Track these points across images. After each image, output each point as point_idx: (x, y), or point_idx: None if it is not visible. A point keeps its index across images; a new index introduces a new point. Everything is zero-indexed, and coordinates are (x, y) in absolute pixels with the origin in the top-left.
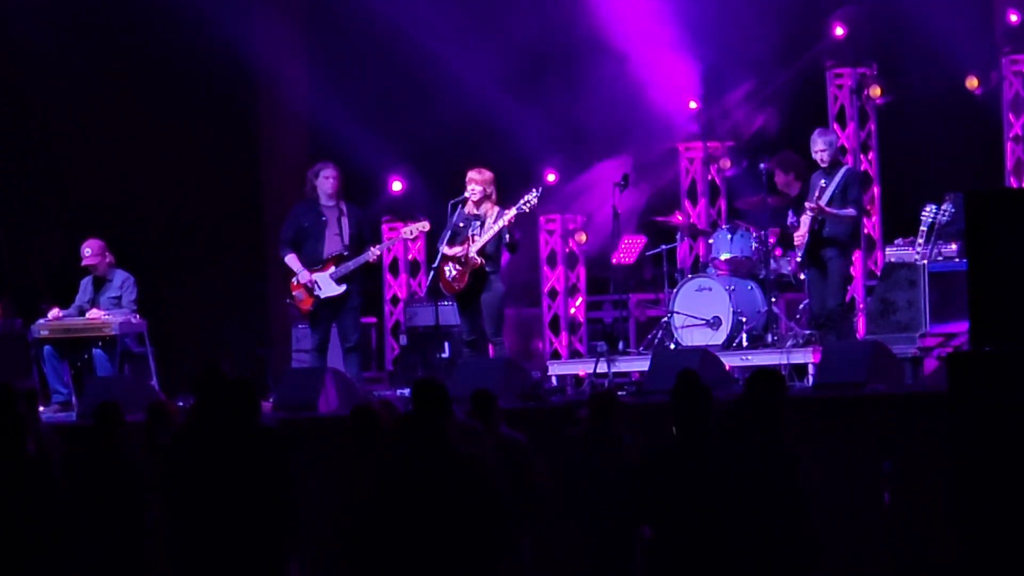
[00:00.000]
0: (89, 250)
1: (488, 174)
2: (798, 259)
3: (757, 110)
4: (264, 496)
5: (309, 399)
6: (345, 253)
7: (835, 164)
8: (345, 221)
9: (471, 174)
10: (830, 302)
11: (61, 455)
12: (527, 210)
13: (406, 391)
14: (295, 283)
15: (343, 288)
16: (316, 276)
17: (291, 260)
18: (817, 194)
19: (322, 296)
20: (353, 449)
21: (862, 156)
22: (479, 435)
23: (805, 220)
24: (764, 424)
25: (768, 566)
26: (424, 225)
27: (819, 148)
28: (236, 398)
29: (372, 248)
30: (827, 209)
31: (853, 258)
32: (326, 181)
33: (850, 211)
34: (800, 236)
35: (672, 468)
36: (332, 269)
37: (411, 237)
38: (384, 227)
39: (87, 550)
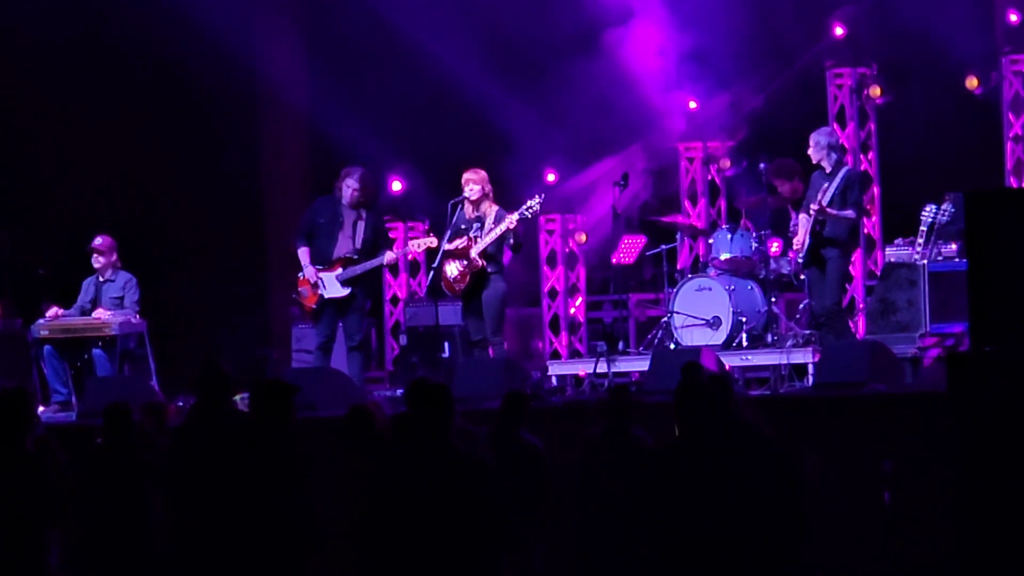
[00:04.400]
0: (100, 239)
1: (483, 173)
2: (799, 260)
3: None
4: (268, 496)
5: (309, 399)
6: (355, 256)
7: (837, 165)
8: (361, 225)
9: (467, 175)
10: (827, 301)
11: (63, 455)
12: (529, 216)
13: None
14: (301, 279)
15: (347, 291)
16: (323, 275)
17: (302, 254)
18: (820, 196)
19: (326, 296)
20: (350, 449)
21: (862, 156)
22: (475, 438)
23: (804, 221)
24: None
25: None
26: (431, 241)
27: (809, 146)
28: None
29: (388, 252)
30: (829, 211)
31: (853, 258)
32: (347, 190)
33: (849, 213)
34: (798, 240)
35: (674, 468)
36: (339, 271)
37: (418, 250)
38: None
39: (93, 548)
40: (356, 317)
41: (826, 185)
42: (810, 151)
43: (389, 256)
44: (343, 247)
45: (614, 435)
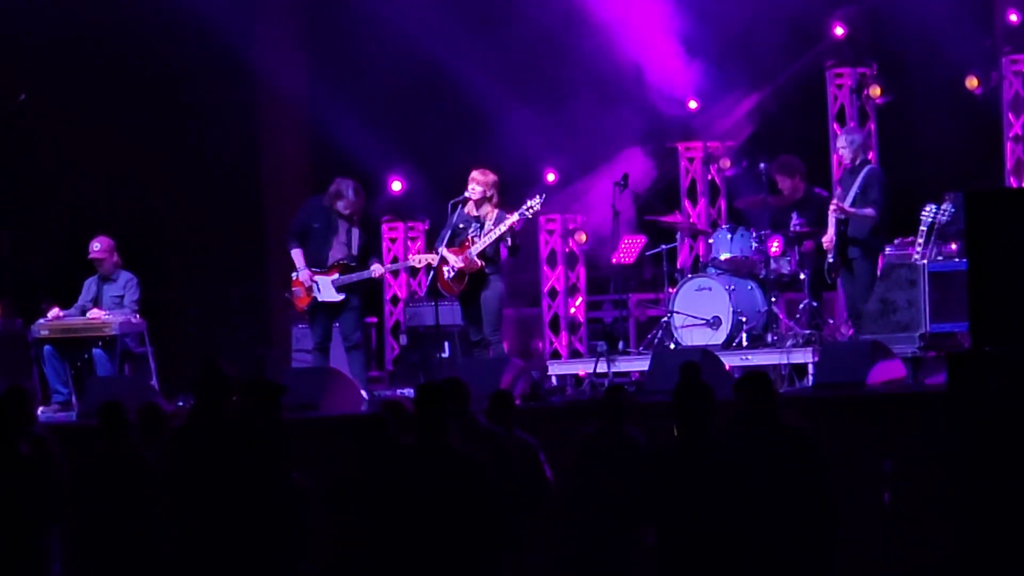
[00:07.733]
0: (98, 245)
1: (492, 176)
2: (830, 259)
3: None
4: (265, 495)
5: (310, 399)
6: (352, 264)
7: (862, 163)
8: (356, 232)
9: (474, 174)
10: (859, 304)
11: (60, 456)
12: (530, 216)
13: (406, 391)
14: (295, 279)
15: (342, 297)
16: (318, 278)
17: (296, 255)
18: (844, 196)
19: (320, 299)
20: (381, 443)
21: None
22: (498, 438)
23: (833, 219)
24: (762, 424)
25: (780, 566)
26: (432, 257)
27: (840, 146)
28: (254, 399)
29: (376, 265)
30: (847, 208)
31: (879, 257)
32: (344, 202)
33: (868, 211)
34: (827, 238)
35: (673, 468)
36: (336, 276)
37: (418, 265)
38: (384, 227)
39: (91, 549)
40: (352, 316)
41: (851, 182)
42: (843, 151)
43: (377, 269)
44: (338, 252)
45: (608, 434)
